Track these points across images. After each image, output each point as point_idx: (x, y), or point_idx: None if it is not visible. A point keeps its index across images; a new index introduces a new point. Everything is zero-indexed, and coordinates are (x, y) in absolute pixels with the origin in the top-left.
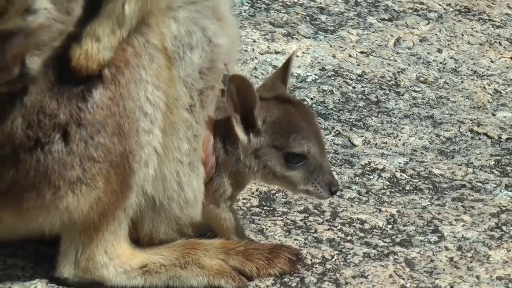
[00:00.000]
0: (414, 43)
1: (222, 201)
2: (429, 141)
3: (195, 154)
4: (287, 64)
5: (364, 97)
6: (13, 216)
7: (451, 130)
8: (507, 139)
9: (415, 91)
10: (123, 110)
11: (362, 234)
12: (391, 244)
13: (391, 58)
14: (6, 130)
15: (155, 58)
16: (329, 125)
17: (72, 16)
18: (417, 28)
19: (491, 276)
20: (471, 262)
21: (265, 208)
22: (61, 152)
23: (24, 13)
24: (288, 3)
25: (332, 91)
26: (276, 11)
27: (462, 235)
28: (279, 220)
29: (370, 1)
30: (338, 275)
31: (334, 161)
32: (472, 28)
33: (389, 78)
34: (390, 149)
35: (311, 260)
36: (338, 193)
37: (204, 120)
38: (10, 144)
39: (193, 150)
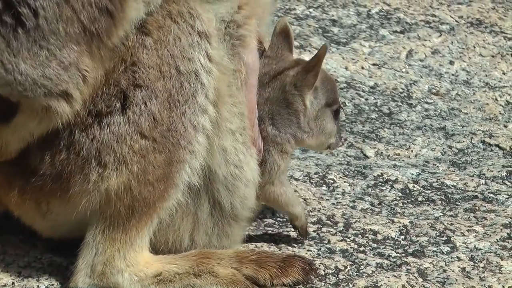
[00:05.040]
0: (426, 55)
1: (276, 178)
2: (441, 153)
3: (246, 134)
4: (286, 34)
5: (376, 109)
6: (60, 204)
7: (463, 141)
8: None
9: (427, 102)
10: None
11: (375, 245)
12: (403, 254)
13: (403, 70)
14: None
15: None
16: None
17: None
18: (429, 40)
19: (503, 286)
20: (483, 273)
21: (278, 219)
22: (118, 124)
23: None
24: (300, 15)
25: (345, 103)
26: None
27: (475, 246)
28: (293, 231)
29: (382, 13)
30: (351, 286)
31: (347, 173)
32: (484, 40)
33: (401, 90)
34: (403, 160)
35: (324, 270)
36: (350, 204)
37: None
38: (69, 125)
39: (243, 129)
